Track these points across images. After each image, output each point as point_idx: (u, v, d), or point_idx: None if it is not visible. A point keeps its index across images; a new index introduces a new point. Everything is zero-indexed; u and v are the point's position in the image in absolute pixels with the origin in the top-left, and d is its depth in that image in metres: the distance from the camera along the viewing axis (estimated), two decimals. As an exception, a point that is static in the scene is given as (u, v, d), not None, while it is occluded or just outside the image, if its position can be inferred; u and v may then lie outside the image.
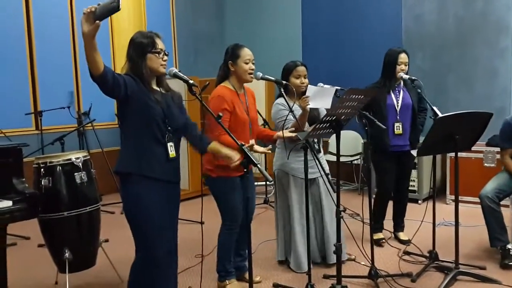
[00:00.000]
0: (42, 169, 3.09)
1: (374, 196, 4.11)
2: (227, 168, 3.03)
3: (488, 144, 5.15)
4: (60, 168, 3.11)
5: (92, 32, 1.98)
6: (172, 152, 2.48)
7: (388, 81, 3.91)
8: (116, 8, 1.92)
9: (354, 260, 3.72)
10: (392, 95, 3.92)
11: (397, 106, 3.91)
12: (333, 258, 3.53)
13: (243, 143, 2.76)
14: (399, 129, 3.90)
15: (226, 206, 3.15)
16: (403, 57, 3.87)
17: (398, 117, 3.91)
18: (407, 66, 3.91)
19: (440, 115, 3.23)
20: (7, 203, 2.67)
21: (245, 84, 3.26)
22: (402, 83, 3.98)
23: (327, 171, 3.45)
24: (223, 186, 3.08)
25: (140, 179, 2.40)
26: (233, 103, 3.03)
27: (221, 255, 3.23)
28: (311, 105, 3.17)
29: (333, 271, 3.25)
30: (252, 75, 3.08)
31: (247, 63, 3.06)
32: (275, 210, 3.70)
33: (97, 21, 1.96)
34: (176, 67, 2.35)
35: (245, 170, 2.34)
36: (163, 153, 2.45)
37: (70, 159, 3.14)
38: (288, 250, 3.62)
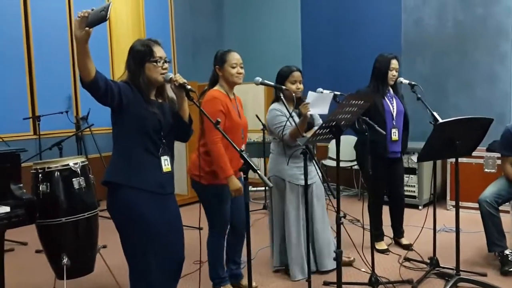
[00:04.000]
0: (40, 175, 3.06)
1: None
2: (218, 175, 2.99)
3: (488, 150, 5.13)
4: (58, 173, 3.08)
5: (84, 37, 1.94)
6: (166, 166, 2.38)
7: (380, 86, 3.91)
8: (104, 17, 1.90)
9: (352, 262, 3.72)
10: (387, 101, 3.93)
11: (393, 112, 3.92)
12: (325, 265, 3.55)
13: (242, 149, 2.75)
14: (396, 135, 3.92)
15: (214, 214, 3.11)
16: (394, 63, 3.89)
17: (394, 123, 3.91)
18: (398, 72, 3.93)
19: (440, 120, 3.22)
20: (5, 209, 2.64)
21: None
22: (391, 89, 3.99)
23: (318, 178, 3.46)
24: (213, 194, 3.03)
25: (130, 190, 2.29)
26: (227, 106, 3.02)
27: (212, 261, 3.21)
28: (311, 111, 3.16)
29: (332, 277, 3.22)
30: (239, 78, 3.07)
31: (234, 67, 3.04)
32: (270, 217, 3.67)
33: (87, 28, 1.93)
34: (175, 72, 2.31)
35: (244, 176, 2.30)
36: (157, 166, 2.35)
37: (68, 165, 3.11)
38: (283, 258, 3.59)
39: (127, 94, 2.27)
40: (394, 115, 3.92)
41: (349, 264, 3.72)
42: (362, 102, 2.77)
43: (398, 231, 4.21)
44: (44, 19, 5.80)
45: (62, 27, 5.98)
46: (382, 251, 3.98)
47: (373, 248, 3.28)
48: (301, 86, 3.45)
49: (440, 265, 3.46)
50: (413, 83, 3.67)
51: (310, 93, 3.19)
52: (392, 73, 3.88)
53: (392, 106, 3.93)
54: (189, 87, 2.30)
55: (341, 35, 6.71)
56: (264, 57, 7.15)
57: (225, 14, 8.10)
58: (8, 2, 5.52)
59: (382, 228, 4.18)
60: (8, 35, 5.50)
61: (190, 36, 7.61)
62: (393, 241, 4.23)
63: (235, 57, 3.06)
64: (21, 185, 2.82)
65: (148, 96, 2.37)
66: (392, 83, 3.92)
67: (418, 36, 6.10)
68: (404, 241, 4.16)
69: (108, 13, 1.90)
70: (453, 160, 3.27)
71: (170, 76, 2.33)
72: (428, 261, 3.54)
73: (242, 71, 3.08)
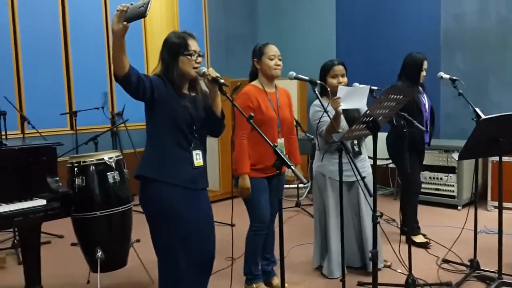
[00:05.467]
0: (75, 169, 3.10)
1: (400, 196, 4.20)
2: (253, 168, 3.01)
3: (532, 148, 4.90)
4: (93, 167, 3.12)
5: (121, 32, 1.95)
6: (198, 161, 2.37)
7: (415, 85, 3.97)
8: (143, 14, 1.90)
9: (389, 267, 3.59)
10: (421, 98, 4.02)
11: (427, 107, 4.03)
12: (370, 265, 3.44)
13: (276, 144, 2.70)
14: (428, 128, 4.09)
15: (251, 207, 3.09)
16: (426, 63, 4.02)
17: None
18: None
19: (483, 117, 3.08)
20: (41, 202, 2.69)
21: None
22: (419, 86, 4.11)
23: (370, 174, 3.35)
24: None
25: (162, 185, 2.30)
26: (258, 101, 3.00)
27: (247, 257, 3.20)
28: (343, 106, 3.07)
29: (368, 278, 3.14)
30: (277, 70, 3.05)
31: (272, 59, 3.02)
32: (314, 214, 3.61)
33: (126, 23, 1.93)
34: (208, 67, 2.32)
35: (277, 172, 2.25)
36: (188, 160, 2.34)
37: (103, 159, 3.15)
38: (323, 255, 3.52)
39: (159, 88, 2.27)
40: (428, 110, 4.04)
41: (387, 267, 3.61)
42: (401, 96, 2.67)
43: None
44: (81, 16, 5.92)
45: (99, 24, 6.09)
46: (421, 245, 3.88)
47: (410, 248, 3.16)
48: (343, 79, 3.37)
49: (481, 268, 3.32)
50: (454, 78, 3.56)
51: (340, 87, 3.11)
52: (423, 73, 4.01)
53: (424, 103, 4.04)
54: (222, 81, 2.28)
55: (377, 30, 6.56)
56: (298, 53, 7.07)
57: (259, 10, 8.06)
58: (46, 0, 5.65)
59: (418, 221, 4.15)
60: (46, 32, 5.63)
61: (223, 33, 7.61)
62: (401, 232, 4.18)
63: (273, 49, 3.04)
64: (57, 178, 2.86)
65: (180, 90, 2.36)
66: (422, 81, 4.05)
67: (458, 31, 5.89)
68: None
69: (148, 9, 1.91)
70: (495, 158, 3.14)
71: (203, 70, 2.32)
72: (468, 263, 3.40)
73: (280, 63, 3.06)
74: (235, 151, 2.99)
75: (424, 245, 3.92)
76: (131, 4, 1.94)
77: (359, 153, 3.43)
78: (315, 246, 3.58)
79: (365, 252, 3.43)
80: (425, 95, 4.07)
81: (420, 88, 4.06)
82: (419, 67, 3.94)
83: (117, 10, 1.93)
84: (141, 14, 1.91)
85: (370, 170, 3.43)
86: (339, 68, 3.36)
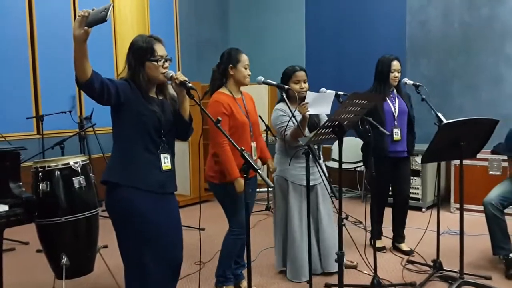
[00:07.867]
0: (40, 173, 3.04)
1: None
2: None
3: (493, 152, 5.06)
4: (59, 172, 3.06)
5: (82, 37, 1.92)
6: (166, 164, 2.35)
7: (382, 88, 3.91)
8: (104, 18, 1.88)
9: (355, 267, 3.65)
10: (389, 102, 3.93)
11: (395, 112, 3.92)
12: (331, 267, 3.48)
13: (243, 148, 2.73)
14: (398, 135, 3.90)
15: (232, 212, 3.11)
16: (395, 64, 3.90)
17: (396, 123, 3.91)
18: (400, 73, 3.94)
19: (445, 121, 3.18)
20: (3, 208, 2.62)
21: (244, 89, 3.25)
22: (394, 90, 4.01)
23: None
24: (227, 192, 3.02)
25: (129, 190, 2.27)
26: (230, 107, 3.02)
27: (222, 260, 3.20)
28: (311, 111, 3.12)
29: (334, 279, 3.19)
30: (249, 79, 3.11)
31: (246, 68, 3.07)
32: (274, 217, 3.64)
33: (87, 28, 1.91)
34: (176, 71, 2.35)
35: (245, 175, 2.28)
36: (156, 164, 2.32)
37: (68, 164, 3.09)
38: (285, 259, 3.55)
39: (126, 92, 2.24)
40: (396, 115, 3.91)
41: (353, 268, 3.66)
42: (366, 101, 2.73)
43: (399, 236, 4.11)
44: (49, 19, 5.79)
45: (67, 26, 5.95)
46: (379, 249, 3.91)
47: (375, 250, 3.23)
48: (305, 85, 3.41)
49: (444, 268, 3.42)
50: (417, 83, 3.65)
51: (308, 93, 3.16)
52: (394, 75, 3.89)
53: (394, 107, 3.93)
54: (190, 84, 2.27)
55: (345, 37, 6.69)
56: (268, 60, 7.12)
57: (230, 17, 8.09)
58: (13, 1, 5.52)
59: (381, 228, 4.14)
60: (12, 34, 5.49)
61: (194, 37, 7.60)
62: (392, 246, 4.13)
63: (246, 58, 3.09)
64: (20, 183, 2.80)
65: (147, 94, 2.34)
66: (395, 84, 3.93)
67: (423, 37, 6.05)
68: (405, 247, 4.05)
69: (108, 14, 1.88)
70: (458, 162, 3.24)
71: (171, 74, 2.31)
72: (432, 264, 3.49)
73: (250, 73, 3.11)
74: (222, 160, 2.96)
75: (380, 250, 3.96)
76: (93, 9, 1.92)
77: (319, 157, 3.48)
78: (276, 250, 3.61)
79: (323, 255, 3.49)
80: (396, 100, 3.96)
81: (395, 92, 3.99)
82: (387, 68, 3.87)
83: (79, 16, 1.91)
84: (102, 18, 1.89)
85: (326, 174, 3.51)
86: (301, 74, 3.40)
